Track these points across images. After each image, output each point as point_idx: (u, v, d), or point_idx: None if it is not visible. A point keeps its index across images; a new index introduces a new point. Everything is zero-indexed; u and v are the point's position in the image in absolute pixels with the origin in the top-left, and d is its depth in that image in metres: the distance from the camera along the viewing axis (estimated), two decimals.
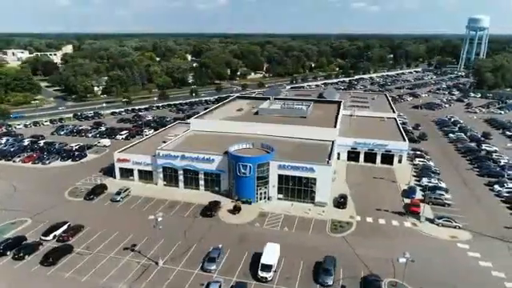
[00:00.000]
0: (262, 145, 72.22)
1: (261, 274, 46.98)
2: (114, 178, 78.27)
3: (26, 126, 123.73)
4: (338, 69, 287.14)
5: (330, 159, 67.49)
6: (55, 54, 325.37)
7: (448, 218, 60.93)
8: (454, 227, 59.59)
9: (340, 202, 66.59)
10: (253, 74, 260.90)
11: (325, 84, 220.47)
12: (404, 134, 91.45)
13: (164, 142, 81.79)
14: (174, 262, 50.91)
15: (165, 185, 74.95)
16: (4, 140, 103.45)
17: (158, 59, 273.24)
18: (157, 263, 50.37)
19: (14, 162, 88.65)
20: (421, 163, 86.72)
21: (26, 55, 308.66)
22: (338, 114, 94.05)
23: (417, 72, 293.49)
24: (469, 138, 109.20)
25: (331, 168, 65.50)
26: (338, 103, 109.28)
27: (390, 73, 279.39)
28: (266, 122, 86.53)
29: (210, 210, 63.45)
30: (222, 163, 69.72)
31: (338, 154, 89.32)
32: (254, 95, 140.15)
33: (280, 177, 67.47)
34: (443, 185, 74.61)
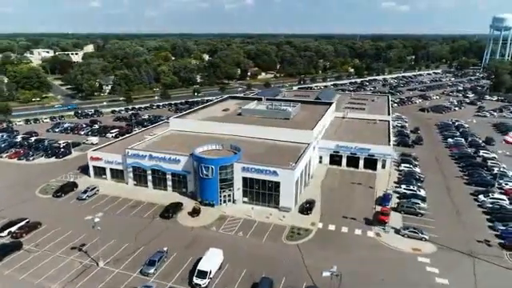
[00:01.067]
0: (231, 146, 70.51)
1: (195, 280, 45.40)
2: (89, 176, 78.90)
3: (27, 122, 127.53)
4: (352, 69, 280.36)
5: (296, 163, 64.82)
6: (76, 54, 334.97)
7: (415, 228, 57.09)
8: (420, 239, 55.75)
9: (305, 208, 63.91)
10: (264, 74, 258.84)
11: (334, 85, 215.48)
12: (390, 138, 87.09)
13: (140, 140, 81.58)
14: (116, 264, 50.17)
15: (135, 184, 74.63)
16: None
17: (173, 58, 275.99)
18: (98, 264, 49.81)
19: (0, 157, 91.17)
20: (406, 169, 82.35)
21: (50, 54, 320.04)
22: (323, 115, 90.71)
23: (436, 73, 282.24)
24: (469, 143, 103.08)
25: (295, 172, 62.85)
26: (330, 105, 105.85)
27: (406, 74, 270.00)
28: (246, 123, 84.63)
29: (168, 211, 62.38)
30: (187, 164, 68.55)
31: (320, 158, 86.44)
32: (251, 95, 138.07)
33: (245, 179, 65.57)
34: (422, 193, 70.34)
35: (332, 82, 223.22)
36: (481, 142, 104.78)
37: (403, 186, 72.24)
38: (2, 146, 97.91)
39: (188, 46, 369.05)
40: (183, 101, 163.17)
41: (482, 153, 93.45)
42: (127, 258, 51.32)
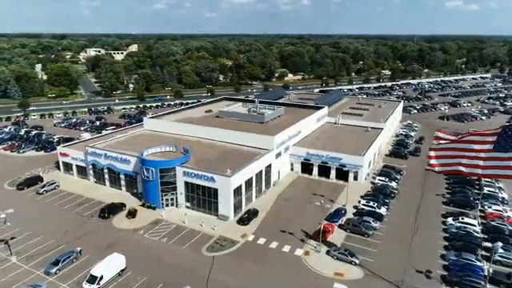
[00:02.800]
0: (184, 149, 69.08)
1: (83, 284, 44.64)
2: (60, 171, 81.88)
3: (41, 116, 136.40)
4: (388, 72, 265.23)
5: (236, 170, 61.73)
6: (121, 53, 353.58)
7: (345, 250, 51.53)
8: (350, 262, 50.21)
9: (244, 218, 60.68)
10: (291, 75, 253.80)
11: (360, 88, 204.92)
12: (369, 149, 79.98)
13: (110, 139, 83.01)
14: (28, 260, 51.06)
15: (95, 182, 76.07)
16: (7, 128, 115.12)
17: (210, 58, 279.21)
18: (11, 259, 51.01)
19: None
20: (380, 182, 75.27)
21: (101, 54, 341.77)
22: (300, 121, 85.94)
23: (483, 78, 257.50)
24: None
25: (232, 180, 59.76)
26: (319, 109, 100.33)
27: (447, 78, 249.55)
28: (215, 126, 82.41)
29: (104, 211, 62.46)
30: (137, 165, 68.25)
31: (292, 165, 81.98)
32: (252, 97, 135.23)
33: (187, 184, 63.83)
34: (381, 210, 63.58)
35: (358, 86, 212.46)
36: None
37: (362, 202, 65.92)
38: (5, 137, 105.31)
39: (227, 47, 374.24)
40: (195, 100, 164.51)
41: None
42: (43, 255, 52.04)
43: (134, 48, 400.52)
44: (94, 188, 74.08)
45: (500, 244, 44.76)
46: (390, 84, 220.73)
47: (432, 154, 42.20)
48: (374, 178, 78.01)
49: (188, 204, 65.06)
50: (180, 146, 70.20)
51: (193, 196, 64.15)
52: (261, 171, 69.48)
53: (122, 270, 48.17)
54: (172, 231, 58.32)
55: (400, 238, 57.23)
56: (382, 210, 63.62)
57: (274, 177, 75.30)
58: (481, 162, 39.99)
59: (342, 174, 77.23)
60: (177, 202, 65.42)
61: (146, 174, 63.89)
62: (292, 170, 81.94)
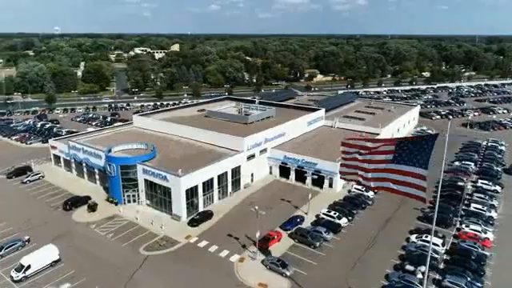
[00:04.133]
0: (153, 147, 69.90)
1: (11, 272, 46.74)
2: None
3: (64, 111, 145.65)
4: (428, 74, 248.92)
5: (192, 170, 61.19)
6: (161, 52, 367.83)
7: (278, 261, 48.89)
8: (281, 274, 47.61)
9: (195, 219, 60.04)
10: (321, 76, 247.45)
11: (389, 91, 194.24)
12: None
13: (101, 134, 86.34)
14: None
15: (77, 175, 79.51)
16: (28, 121, 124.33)
17: (248, 58, 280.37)
18: None
19: (10, 138, 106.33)
20: (356, 191, 70.69)
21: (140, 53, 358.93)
22: (285, 123, 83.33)
23: None
24: (477, 171, 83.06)
25: (183, 179, 59.27)
26: (313, 111, 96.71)
27: (492, 82, 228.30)
28: (196, 125, 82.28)
29: (67, 204, 64.92)
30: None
31: (270, 168, 79.74)
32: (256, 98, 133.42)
33: (146, 182, 64.51)
34: (342, 221, 59.58)
35: (388, 88, 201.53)
36: (500, 170, 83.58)
37: (323, 211, 62.24)
38: (21, 129, 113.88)
39: (267, 47, 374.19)
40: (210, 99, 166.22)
41: (480, 183, 74.67)
42: None
43: (176, 47, 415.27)
44: (74, 181, 77.41)
45: (422, 269, 39.84)
46: (424, 87, 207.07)
47: (342, 161, 38.74)
48: (352, 185, 73.49)
49: (148, 202, 65.75)
50: (150, 144, 71.13)
51: (152, 194, 64.71)
52: (225, 173, 68.30)
53: (56, 262, 49.72)
54: (121, 227, 59.23)
55: (350, 252, 53.25)
56: (342, 221, 59.57)
57: (245, 179, 73.71)
58: (378, 174, 36.07)
59: (318, 180, 73.67)
60: (138, 198, 66.38)
61: (109, 169, 65.57)
62: (271, 173, 79.73)
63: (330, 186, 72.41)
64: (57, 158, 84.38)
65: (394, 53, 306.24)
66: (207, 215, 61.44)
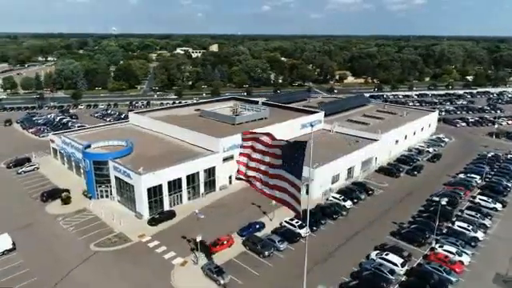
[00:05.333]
0: (132, 144, 70.91)
1: None
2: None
3: (88, 107, 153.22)
4: (470, 78, 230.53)
5: (156, 169, 61.02)
6: (199, 52, 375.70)
7: (216, 267, 47.00)
8: (215, 281, 45.78)
9: (154, 219, 59.83)
10: (351, 78, 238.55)
11: (420, 95, 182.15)
12: (332, 161, 71.11)
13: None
14: None
15: (68, 168, 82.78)
16: (49, 115, 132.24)
17: (283, 59, 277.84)
18: None
19: (27, 131, 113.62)
20: (333, 200, 66.53)
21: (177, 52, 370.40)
22: (272, 125, 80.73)
23: None
24: (484, 185, 74.75)
25: (143, 178, 59.18)
26: (314, 114, 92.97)
27: None
28: (183, 125, 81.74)
29: (43, 195, 67.52)
30: None
31: None
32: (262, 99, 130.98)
33: (116, 178, 65.43)
34: (302, 231, 56.15)
35: (419, 92, 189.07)
36: (510, 186, 74.64)
37: (286, 219, 59.13)
38: (40, 122, 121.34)
39: (304, 47, 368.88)
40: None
41: (478, 199, 67.10)
42: None
43: (214, 47, 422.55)
44: (64, 174, 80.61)
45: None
46: (461, 92, 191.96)
47: (239, 159, 36.34)
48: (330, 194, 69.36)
49: (119, 198, 66.68)
50: (129, 141, 72.15)
51: (122, 191, 65.52)
52: (197, 173, 67.44)
53: (9, 250, 51.80)
54: (85, 222, 60.45)
55: (300, 265, 49.83)
56: (303, 231, 56.19)
57: (222, 181, 72.36)
58: (268, 179, 33.30)
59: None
60: (111, 194, 67.56)
61: (83, 164, 67.42)
62: None
63: (307, 192, 68.78)
64: (55, 151, 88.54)
65: (437, 55, 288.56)
66: (169, 215, 60.96)
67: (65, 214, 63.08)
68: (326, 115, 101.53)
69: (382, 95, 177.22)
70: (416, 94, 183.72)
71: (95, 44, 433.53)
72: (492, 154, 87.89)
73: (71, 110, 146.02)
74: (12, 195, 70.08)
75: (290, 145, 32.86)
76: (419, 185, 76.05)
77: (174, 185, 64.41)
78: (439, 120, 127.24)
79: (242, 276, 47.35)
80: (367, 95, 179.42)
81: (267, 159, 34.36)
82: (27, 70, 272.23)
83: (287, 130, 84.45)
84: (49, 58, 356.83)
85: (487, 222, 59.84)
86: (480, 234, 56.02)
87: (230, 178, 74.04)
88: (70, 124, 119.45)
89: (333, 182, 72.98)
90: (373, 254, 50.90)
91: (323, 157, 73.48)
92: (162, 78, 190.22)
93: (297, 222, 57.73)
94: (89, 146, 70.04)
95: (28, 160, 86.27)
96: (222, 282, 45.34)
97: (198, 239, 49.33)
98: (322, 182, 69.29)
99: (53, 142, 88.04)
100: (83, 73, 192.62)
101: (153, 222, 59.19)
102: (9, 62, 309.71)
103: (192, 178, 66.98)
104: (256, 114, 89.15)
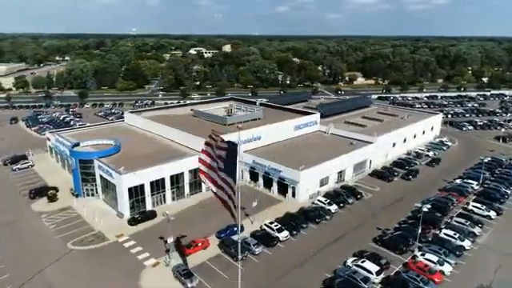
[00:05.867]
0: (119, 143, 71.18)
1: None
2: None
3: (93, 106, 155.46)
4: (486, 80, 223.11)
5: (137, 169, 60.87)
6: (210, 52, 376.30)
7: (184, 270, 46.35)
8: (183, 284, 45.14)
9: (134, 218, 59.66)
10: (361, 79, 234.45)
11: (430, 97, 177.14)
12: (319, 164, 69.45)
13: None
14: None
15: (61, 166, 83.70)
16: (55, 114, 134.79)
17: (295, 59, 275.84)
18: None
19: (30, 129, 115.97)
20: (318, 203, 64.92)
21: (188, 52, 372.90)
22: (262, 126, 79.68)
23: None
24: (480, 191, 71.57)
25: (124, 177, 59.05)
26: (309, 114, 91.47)
27: None
28: (173, 125, 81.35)
29: (31, 192, 68.38)
30: None
31: (242, 172, 76.73)
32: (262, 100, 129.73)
33: (101, 177, 65.68)
34: (281, 235, 54.87)
35: (429, 94, 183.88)
36: (509, 193, 71.26)
37: (266, 222, 57.94)
38: (44, 121, 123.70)
39: (317, 48, 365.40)
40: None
41: (471, 206, 64.25)
42: None
43: (227, 48, 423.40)
44: (57, 171, 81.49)
45: None
46: (474, 94, 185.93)
47: (201, 156, 35.60)
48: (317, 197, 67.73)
49: (103, 197, 66.90)
50: (118, 140, 72.40)
51: (106, 190, 65.71)
52: (182, 173, 67.02)
53: None
54: (67, 220, 60.81)
55: (274, 269, 48.77)
56: (282, 235, 54.95)
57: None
58: (218, 180, 32.51)
59: (284, 189, 69.16)
60: (96, 193, 67.87)
61: (70, 162, 67.96)
62: (242, 177, 76.67)
63: (293, 195, 67.53)
64: (51, 149, 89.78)
65: (453, 56, 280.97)
66: (149, 215, 60.70)
67: (49, 211, 63.68)
68: (324, 116, 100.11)
69: (390, 97, 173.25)
70: (426, 96, 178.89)
71: (112, 44, 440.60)
72: (488, 158, 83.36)
73: (75, 109, 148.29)
74: (2, 192, 71.27)
75: (227, 146, 32.04)
76: (412, 190, 73.51)
77: (157, 185, 64.16)
78: (445, 123, 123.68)
79: (212, 279, 46.55)
80: (375, 97, 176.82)
81: (216, 162, 33.62)
82: (41, 69, 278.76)
83: (279, 131, 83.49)
84: (66, 58, 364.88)
85: (477, 230, 57.16)
86: (467, 243, 53.51)
87: None
88: (72, 123, 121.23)
89: (322, 185, 71.36)
90: (349, 261, 49.22)
91: (314, 159, 72.12)
92: (169, 78, 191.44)
93: (276, 226, 56.49)
94: (77, 145, 70.68)
95: (24, 157, 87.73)
96: (189, 285, 44.62)
97: (169, 241, 48.89)
98: (308, 184, 67.76)
99: (49, 140, 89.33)
100: (92, 72, 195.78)
101: (132, 221, 59.04)
102: (26, 61, 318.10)
103: (176, 179, 66.60)
104: (249, 114, 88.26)
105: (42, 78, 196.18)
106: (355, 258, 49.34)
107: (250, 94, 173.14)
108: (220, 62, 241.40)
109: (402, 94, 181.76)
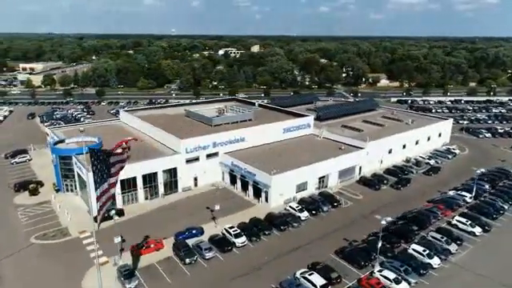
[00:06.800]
0: (100, 140, 72.60)
1: None
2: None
3: (109, 104, 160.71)
4: None
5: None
6: (236, 53, 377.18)
7: (126, 271, 46.16)
8: (123, 284, 44.92)
9: (105, 217, 60.25)
10: (385, 81, 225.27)
11: (454, 101, 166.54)
12: (294, 169, 66.86)
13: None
14: None
15: None
16: (70, 111, 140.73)
17: (323, 60, 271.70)
18: None
19: (43, 124, 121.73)
20: (290, 210, 62.56)
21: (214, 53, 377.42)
22: (245, 128, 78.23)
23: None
24: (474, 205, 65.83)
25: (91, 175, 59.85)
26: (302, 117, 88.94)
27: None
28: (159, 124, 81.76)
29: (16, 185, 71.30)
30: None
31: (223, 174, 75.81)
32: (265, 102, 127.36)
33: (78, 174, 67.22)
34: (238, 240, 53.31)
35: (455, 98, 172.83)
36: (506, 208, 64.99)
37: (226, 226, 56.45)
38: (57, 117, 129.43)
39: (350, 49, 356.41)
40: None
41: (455, 221, 59.13)
42: None
43: (256, 48, 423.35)
44: (51, 166, 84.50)
45: None
46: (506, 99, 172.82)
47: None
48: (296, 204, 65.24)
49: (80, 193, 68.45)
50: (99, 138, 73.82)
51: (82, 186, 67.14)
52: (155, 173, 67.12)
53: None
54: (41, 214, 62.78)
55: (222, 276, 47.36)
56: (239, 240, 53.33)
57: (185, 182, 71.38)
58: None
59: (258, 193, 67.38)
60: (75, 188, 69.60)
61: (52, 157, 70.20)
62: (223, 179, 75.75)
63: (266, 200, 65.60)
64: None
65: (491, 58, 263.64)
66: (116, 213, 61.01)
67: (28, 204, 66.08)
68: (322, 119, 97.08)
69: (409, 100, 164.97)
70: (450, 100, 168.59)
71: (149, 44, 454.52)
72: (482, 170, 74.61)
73: (94, 106, 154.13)
74: None
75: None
76: (398, 200, 69.07)
77: (128, 183, 64.67)
78: (461, 129, 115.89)
79: (154, 282, 46.00)
80: (394, 99, 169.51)
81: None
82: (73, 68, 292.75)
83: (266, 133, 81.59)
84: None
85: (453, 247, 52.45)
86: (436, 261, 49.20)
87: (196, 179, 72.94)
88: (82, 119, 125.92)
89: (300, 191, 68.80)
90: (298, 273, 46.73)
91: (296, 163, 69.68)
92: (187, 77, 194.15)
93: (234, 231, 54.96)
94: (62, 141, 72.86)
95: (25, 151, 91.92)
96: (127, 286, 44.37)
97: (116, 241, 48.88)
98: (282, 189, 65.53)
99: (47, 135, 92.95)
100: (115, 71, 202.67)
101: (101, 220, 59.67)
102: (63, 60, 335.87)
103: (149, 178, 66.80)
104: (239, 115, 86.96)
105: (69, 76, 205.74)
106: (305, 270, 46.81)
107: (262, 95, 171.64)
108: (241, 62, 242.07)
109: (424, 98, 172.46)
